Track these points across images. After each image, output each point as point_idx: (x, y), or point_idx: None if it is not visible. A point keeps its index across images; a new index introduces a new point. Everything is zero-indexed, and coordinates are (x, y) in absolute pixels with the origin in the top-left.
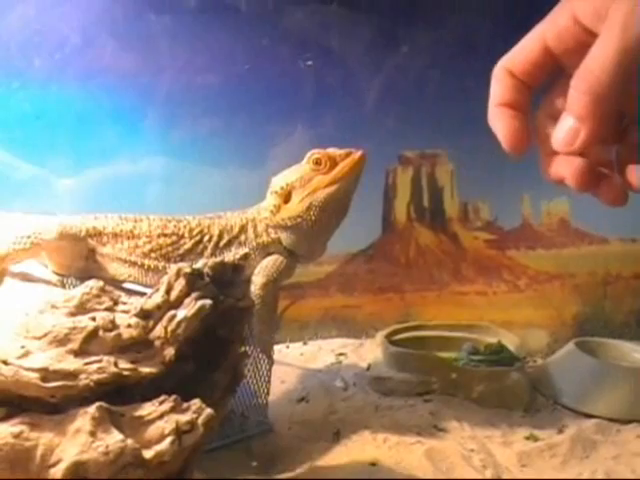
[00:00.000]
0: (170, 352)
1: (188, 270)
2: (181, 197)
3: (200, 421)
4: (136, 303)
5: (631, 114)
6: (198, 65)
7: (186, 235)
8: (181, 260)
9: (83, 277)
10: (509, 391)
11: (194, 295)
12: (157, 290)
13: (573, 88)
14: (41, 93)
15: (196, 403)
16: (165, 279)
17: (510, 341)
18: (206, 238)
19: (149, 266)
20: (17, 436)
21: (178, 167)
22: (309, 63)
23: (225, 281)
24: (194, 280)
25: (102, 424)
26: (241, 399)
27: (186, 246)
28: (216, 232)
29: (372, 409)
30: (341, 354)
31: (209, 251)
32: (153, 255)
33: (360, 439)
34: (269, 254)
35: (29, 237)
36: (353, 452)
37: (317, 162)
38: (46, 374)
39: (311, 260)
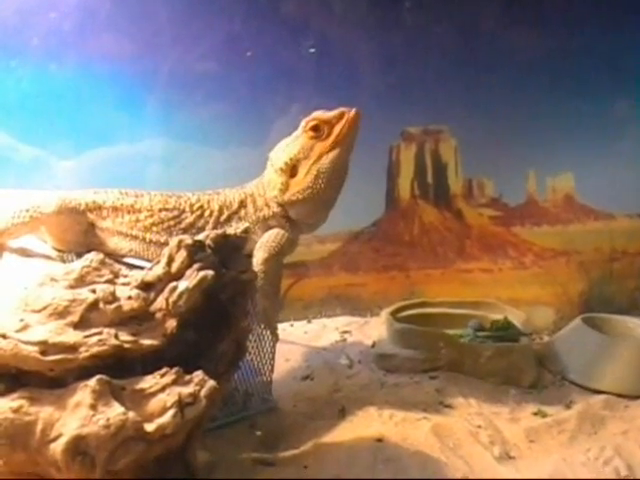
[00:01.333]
0: (172, 324)
1: (189, 241)
2: (182, 178)
3: (203, 393)
4: (137, 275)
5: None
6: (199, 48)
7: (187, 210)
8: (183, 234)
9: (83, 252)
10: (516, 367)
11: (196, 266)
12: (158, 262)
13: None
14: (40, 74)
15: (198, 375)
16: (166, 251)
17: (516, 317)
18: (207, 213)
19: (151, 240)
20: (17, 411)
21: (178, 148)
22: (312, 50)
23: (227, 253)
24: (195, 252)
25: (103, 397)
26: (245, 376)
27: (187, 220)
28: (216, 207)
29: (377, 386)
30: (345, 332)
31: (210, 226)
32: (155, 229)
33: (366, 416)
34: (270, 228)
35: (28, 211)
36: (359, 429)
37: (315, 129)
38: (45, 347)
39: (315, 229)
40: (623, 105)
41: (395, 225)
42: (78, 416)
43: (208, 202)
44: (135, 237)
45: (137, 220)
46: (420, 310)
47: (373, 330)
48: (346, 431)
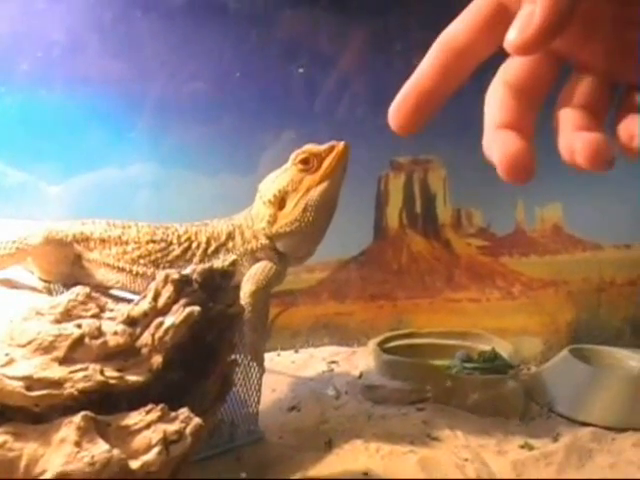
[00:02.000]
0: (157, 360)
1: (176, 276)
2: (170, 204)
3: (188, 431)
4: (123, 310)
5: (628, 79)
6: (188, 71)
7: (174, 242)
8: (170, 267)
9: (69, 283)
10: (503, 399)
11: (182, 302)
12: (144, 297)
13: None
14: (28, 98)
15: (184, 412)
16: (152, 285)
17: (504, 349)
18: (194, 245)
19: (137, 272)
20: (1, 446)
21: (167, 174)
22: (301, 70)
23: (214, 287)
24: (182, 286)
25: (88, 434)
26: (231, 408)
27: (175, 253)
28: (204, 239)
29: (364, 418)
30: (333, 362)
31: (197, 258)
32: (142, 261)
33: (352, 448)
34: (258, 260)
35: (14, 242)
36: (345, 461)
37: (304, 162)
38: (30, 382)
39: (303, 262)
40: (611, 135)
41: (383, 254)
42: (63, 452)
43: (196, 234)
44: (122, 269)
45: (124, 252)
46: (408, 341)
47: (360, 360)
48: (333, 464)
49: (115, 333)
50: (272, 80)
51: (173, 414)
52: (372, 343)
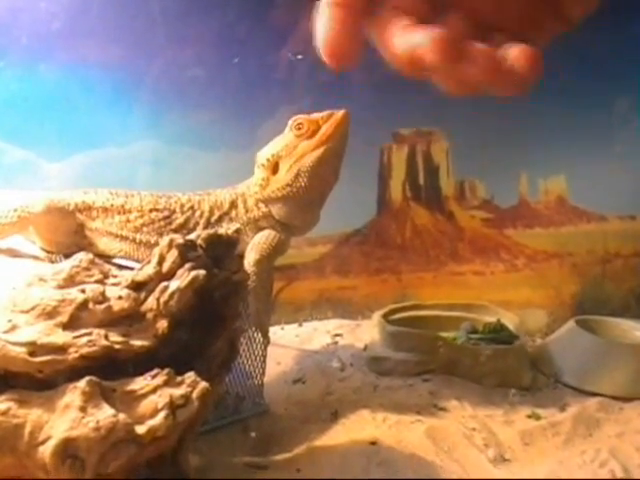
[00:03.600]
0: (163, 324)
1: (181, 241)
2: (171, 181)
3: (195, 395)
4: (127, 275)
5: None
6: (189, 52)
7: (177, 210)
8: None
9: (71, 253)
10: (510, 369)
11: (187, 266)
12: (149, 262)
13: None
14: (28, 73)
15: (190, 376)
16: (157, 250)
17: (509, 320)
18: (197, 214)
19: (141, 240)
20: (4, 413)
21: (168, 151)
22: (299, 57)
23: (219, 254)
24: (187, 251)
25: (92, 399)
26: (236, 380)
27: (178, 221)
28: (207, 208)
29: (370, 389)
30: (337, 335)
31: (201, 226)
32: (145, 230)
33: (359, 419)
34: (261, 229)
35: (16, 211)
36: (352, 432)
37: (299, 127)
38: (34, 348)
39: (305, 232)
40: (616, 107)
41: (387, 227)
42: (67, 418)
43: (199, 202)
44: (125, 238)
45: (127, 220)
46: (412, 313)
47: (365, 333)
48: (339, 434)
49: (119, 298)
50: (273, 59)
51: (179, 378)
52: (377, 315)
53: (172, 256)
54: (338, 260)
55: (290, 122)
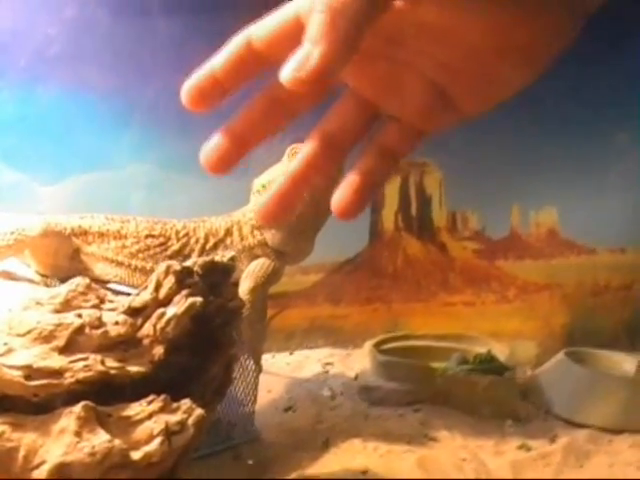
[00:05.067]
0: (159, 351)
1: (178, 267)
2: (164, 206)
3: (190, 421)
4: (123, 301)
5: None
6: (185, 76)
7: (173, 237)
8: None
9: (67, 277)
10: (500, 400)
11: (184, 292)
12: (145, 288)
13: (311, 11)
14: (25, 96)
15: (186, 403)
16: (154, 276)
17: (499, 351)
18: (192, 240)
19: (136, 266)
20: None
21: (161, 177)
22: None
23: (215, 281)
24: (184, 278)
25: (88, 424)
26: (228, 406)
27: (173, 247)
28: (202, 235)
29: (361, 418)
30: (328, 364)
31: (196, 253)
32: (141, 255)
33: (350, 447)
34: (256, 257)
35: (12, 233)
36: (343, 460)
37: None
38: (30, 372)
39: (299, 260)
40: (606, 140)
41: (379, 257)
42: (62, 443)
43: (194, 230)
44: (121, 263)
45: (123, 246)
46: (403, 343)
47: (356, 362)
48: (330, 463)
49: (116, 323)
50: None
51: (175, 405)
52: (368, 344)
53: (169, 282)
54: (330, 289)
55: (288, 150)
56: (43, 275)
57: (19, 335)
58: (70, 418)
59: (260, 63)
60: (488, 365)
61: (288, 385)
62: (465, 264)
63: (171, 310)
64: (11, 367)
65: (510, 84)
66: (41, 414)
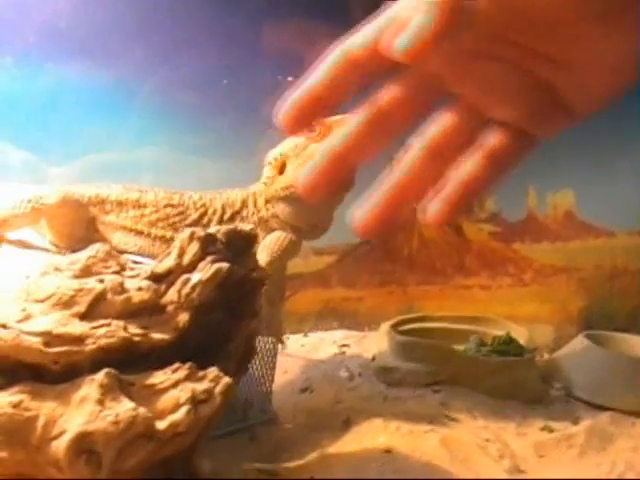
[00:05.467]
0: (184, 318)
1: (202, 234)
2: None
3: (217, 390)
4: (146, 267)
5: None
6: (196, 54)
7: (191, 206)
8: None
9: (81, 248)
10: (520, 382)
11: (209, 259)
12: (168, 254)
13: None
14: (34, 72)
15: (213, 371)
16: (177, 243)
17: (518, 334)
18: (210, 211)
19: (156, 235)
20: (16, 406)
21: (171, 159)
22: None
23: (237, 250)
24: (208, 244)
25: (111, 392)
26: (245, 385)
27: (192, 217)
28: (219, 206)
29: (380, 399)
30: (344, 345)
31: (214, 223)
32: (160, 224)
33: (371, 427)
34: (271, 230)
35: (29, 202)
36: (365, 440)
37: (312, 128)
38: (49, 338)
39: (316, 235)
40: (625, 122)
41: (394, 238)
42: (84, 412)
43: (211, 201)
44: (140, 232)
45: (142, 215)
46: (420, 324)
47: (372, 344)
48: (352, 442)
49: (139, 289)
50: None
51: (201, 373)
52: (385, 326)
53: (193, 249)
54: (344, 270)
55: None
56: (57, 245)
57: (37, 301)
58: (92, 386)
59: (363, 75)
60: (507, 347)
61: (304, 366)
62: (481, 247)
63: (196, 276)
64: (29, 333)
65: (621, 74)
66: (60, 383)
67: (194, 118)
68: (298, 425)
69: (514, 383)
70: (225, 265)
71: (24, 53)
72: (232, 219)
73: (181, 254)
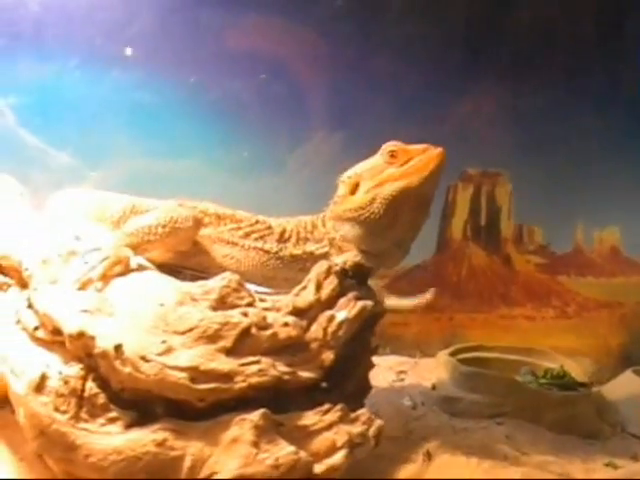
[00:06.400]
0: (329, 356)
1: (338, 268)
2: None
3: (371, 432)
4: (285, 300)
5: None
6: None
7: (273, 225)
8: (277, 244)
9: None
10: (578, 417)
11: (351, 295)
12: (304, 287)
13: None
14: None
15: (365, 413)
16: (313, 276)
17: (569, 367)
18: (289, 227)
19: (250, 246)
20: (160, 444)
21: (210, 172)
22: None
23: (359, 282)
24: (344, 279)
25: (266, 434)
26: None
27: (277, 230)
28: (293, 227)
29: (449, 430)
30: (401, 372)
31: (293, 239)
32: (254, 236)
33: (454, 461)
34: (342, 251)
35: (164, 227)
36: (450, 474)
37: (392, 154)
38: (196, 374)
39: (387, 263)
40: None
41: (444, 266)
42: (237, 454)
43: (287, 221)
44: (235, 244)
45: (238, 228)
46: (475, 354)
47: (426, 371)
48: (438, 474)
49: (285, 324)
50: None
51: (353, 415)
52: (443, 354)
53: (331, 283)
54: (393, 295)
55: (383, 147)
56: (151, 261)
57: (178, 333)
58: (244, 427)
59: None
60: (562, 380)
61: None
62: (527, 277)
63: (342, 314)
64: (174, 368)
65: None
66: (201, 420)
67: (231, 133)
68: (375, 455)
69: (573, 417)
70: (369, 303)
71: (88, 56)
72: (307, 239)
73: (319, 288)
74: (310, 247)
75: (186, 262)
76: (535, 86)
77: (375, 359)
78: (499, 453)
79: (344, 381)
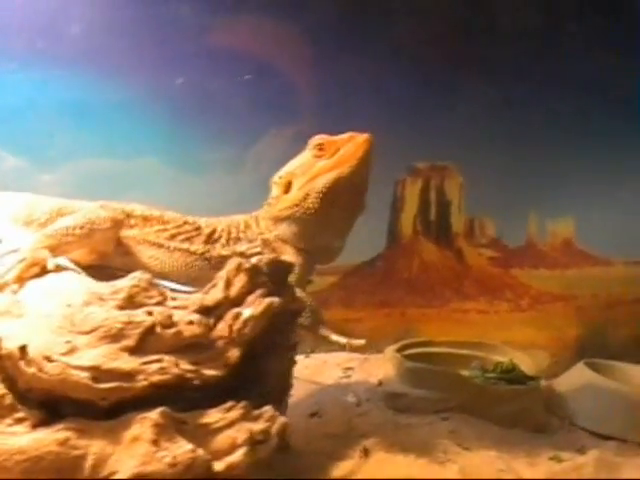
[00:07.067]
0: (234, 354)
1: (248, 265)
2: (159, 200)
3: (274, 430)
4: (192, 298)
5: None
6: (201, 70)
7: (202, 226)
8: (204, 245)
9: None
10: (526, 411)
11: (259, 292)
12: (214, 285)
13: None
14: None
15: (268, 411)
16: (223, 274)
17: (519, 360)
18: (219, 228)
19: (175, 247)
20: (63, 444)
21: (160, 171)
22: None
23: (277, 280)
24: (254, 276)
25: (166, 432)
26: None
27: (206, 232)
28: (224, 227)
29: (392, 426)
30: (348, 368)
31: (223, 240)
32: (180, 237)
33: (390, 457)
34: (275, 251)
35: (82, 228)
36: (387, 470)
37: (319, 148)
38: (98, 374)
39: (327, 259)
40: (625, 153)
41: (395, 261)
42: (137, 452)
43: (218, 221)
44: (160, 245)
45: (164, 230)
46: (423, 349)
47: (375, 367)
48: (375, 472)
49: (190, 323)
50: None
51: (256, 412)
52: (390, 350)
53: (240, 281)
54: (344, 291)
55: (310, 141)
56: (74, 261)
57: (82, 332)
58: (144, 425)
59: None
60: (511, 374)
61: (311, 389)
62: (480, 271)
63: (247, 311)
64: (77, 367)
65: None
66: (106, 419)
67: (184, 131)
68: (313, 453)
69: (520, 411)
70: (276, 300)
71: (29, 59)
72: (238, 239)
73: (228, 286)
74: (241, 247)
75: (111, 263)
76: (485, 77)
77: (324, 356)
78: (439, 449)
79: (258, 379)
